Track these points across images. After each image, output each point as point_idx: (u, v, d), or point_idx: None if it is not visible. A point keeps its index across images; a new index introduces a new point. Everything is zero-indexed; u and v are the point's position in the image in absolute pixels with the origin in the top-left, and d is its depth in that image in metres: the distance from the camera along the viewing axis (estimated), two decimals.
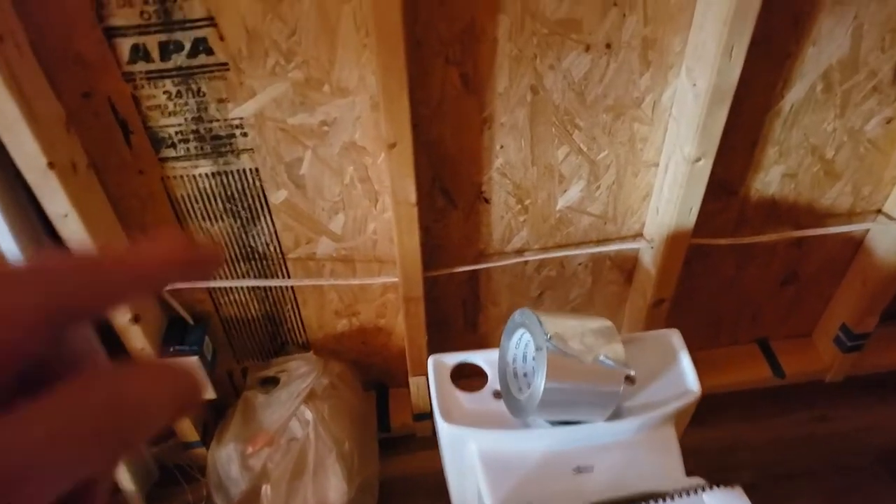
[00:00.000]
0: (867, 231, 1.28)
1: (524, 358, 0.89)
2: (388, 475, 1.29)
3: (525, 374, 0.88)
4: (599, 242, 1.20)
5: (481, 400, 0.92)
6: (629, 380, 0.83)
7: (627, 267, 1.27)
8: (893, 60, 1.04)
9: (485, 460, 0.85)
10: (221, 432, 1.20)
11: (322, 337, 1.26)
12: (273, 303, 1.19)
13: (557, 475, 0.86)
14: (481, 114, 0.99)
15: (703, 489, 0.82)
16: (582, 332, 0.86)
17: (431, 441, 1.07)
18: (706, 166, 1.01)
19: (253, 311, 1.20)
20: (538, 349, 0.80)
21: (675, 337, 0.98)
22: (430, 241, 1.13)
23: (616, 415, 0.86)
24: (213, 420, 1.27)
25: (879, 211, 1.25)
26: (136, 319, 1.03)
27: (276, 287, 1.16)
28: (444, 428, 0.87)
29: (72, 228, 0.91)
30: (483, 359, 0.95)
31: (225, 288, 1.15)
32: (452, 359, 0.94)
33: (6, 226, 0.88)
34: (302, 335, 1.25)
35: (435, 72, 0.93)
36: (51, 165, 0.84)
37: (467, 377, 0.93)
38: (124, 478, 1.21)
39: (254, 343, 1.25)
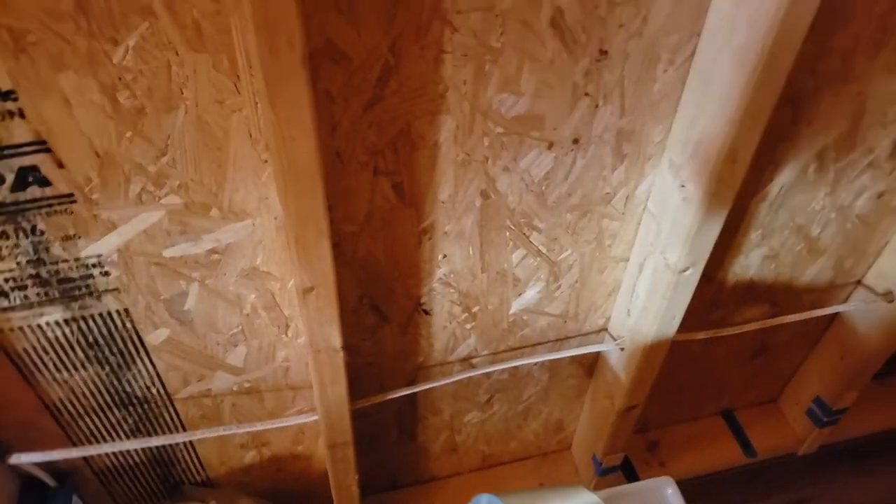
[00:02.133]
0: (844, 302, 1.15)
1: None
2: None
3: None
4: (559, 342, 1.02)
5: None
6: None
7: (588, 361, 1.10)
8: (894, 136, 0.89)
9: None
10: None
11: (225, 472, 1.03)
12: (161, 445, 0.95)
13: None
14: (420, 225, 0.78)
15: None
16: None
17: None
18: (695, 274, 0.84)
19: (135, 456, 0.95)
20: None
21: (669, 489, 0.81)
22: (357, 360, 0.92)
23: None
24: None
25: (859, 282, 1.13)
26: None
27: (162, 430, 0.92)
28: None
29: None
30: None
31: (96, 441, 0.90)
32: None
33: None
34: (200, 473, 1.02)
35: (361, 185, 0.71)
36: None
37: None
38: None
39: (140, 488, 1.00)
